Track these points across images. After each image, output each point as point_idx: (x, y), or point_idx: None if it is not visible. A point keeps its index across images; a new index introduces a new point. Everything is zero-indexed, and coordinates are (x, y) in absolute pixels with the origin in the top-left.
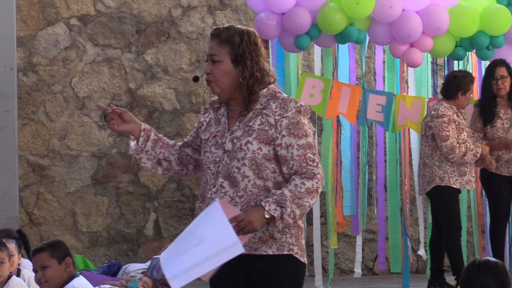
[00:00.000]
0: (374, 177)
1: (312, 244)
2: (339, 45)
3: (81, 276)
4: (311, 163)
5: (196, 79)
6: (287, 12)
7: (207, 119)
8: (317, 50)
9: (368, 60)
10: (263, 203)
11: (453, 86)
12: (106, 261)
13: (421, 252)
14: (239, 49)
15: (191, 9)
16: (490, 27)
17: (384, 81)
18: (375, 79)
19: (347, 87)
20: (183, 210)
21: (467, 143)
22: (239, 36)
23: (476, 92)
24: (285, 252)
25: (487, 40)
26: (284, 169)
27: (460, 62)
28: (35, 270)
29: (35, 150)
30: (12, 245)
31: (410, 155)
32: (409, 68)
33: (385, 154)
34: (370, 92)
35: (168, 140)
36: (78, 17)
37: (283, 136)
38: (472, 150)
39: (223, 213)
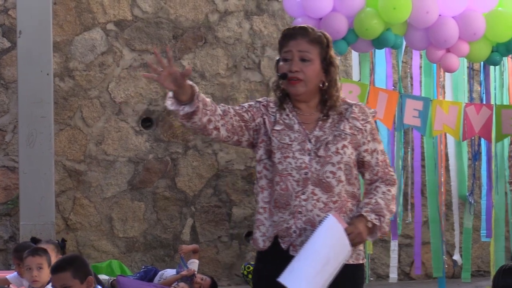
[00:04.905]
0: (410, 182)
1: None
2: (376, 50)
3: None
4: (390, 168)
5: (284, 76)
6: (324, 17)
7: (281, 121)
8: (354, 55)
9: (404, 65)
10: (364, 213)
11: None
12: (143, 267)
13: (457, 257)
14: (327, 53)
15: (228, 14)
16: None
17: (420, 86)
18: (411, 84)
19: (384, 92)
20: (220, 215)
21: None
22: (326, 38)
23: (511, 96)
24: (360, 262)
25: None
26: (367, 175)
27: (496, 67)
28: None
29: (71, 155)
30: (50, 246)
31: (447, 160)
32: (445, 73)
33: (422, 159)
34: (407, 97)
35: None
36: (115, 22)
37: (369, 141)
38: None
39: (342, 228)
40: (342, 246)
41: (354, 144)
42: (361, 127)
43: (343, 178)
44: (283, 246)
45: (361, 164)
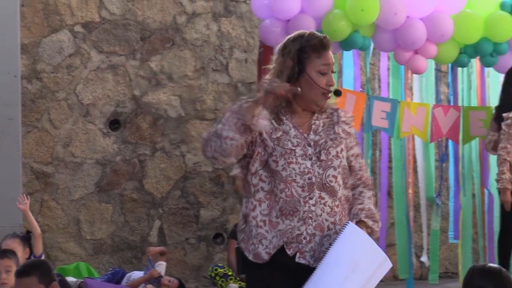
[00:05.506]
0: (377, 183)
1: None
2: (344, 52)
3: None
4: (368, 173)
5: (338, 93)
6: (292, 19)
7: (279, 127)
8: None
9: (372, 66)
10: (363, 219)
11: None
12: (110, 269)
13: (424, 258)
14: None
15: (196, 16)
16: (494, 34)
17: (388, 87)
18: (379, 86)
19: (351, 93)
20: (188, 217)
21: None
22: None
23: (479, 97)
24: None
25: (490, 47)
26: (350, 180)
27: (464, 69)
28: None
29: (39, 157)
30: (16, 240)
31: (415, 162)
32: (413, 74)
33: (390, 161)
34: (374, 98)
35: None
36: (83, 24)
37: (353, 146)
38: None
39: (365, 233)
40: (372, 252)
41: (346, 148)
42: (349, 130)
43: (341, 182)
44: (289, 252)
45: (347, 168)
